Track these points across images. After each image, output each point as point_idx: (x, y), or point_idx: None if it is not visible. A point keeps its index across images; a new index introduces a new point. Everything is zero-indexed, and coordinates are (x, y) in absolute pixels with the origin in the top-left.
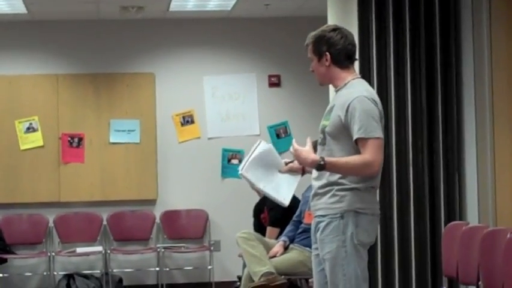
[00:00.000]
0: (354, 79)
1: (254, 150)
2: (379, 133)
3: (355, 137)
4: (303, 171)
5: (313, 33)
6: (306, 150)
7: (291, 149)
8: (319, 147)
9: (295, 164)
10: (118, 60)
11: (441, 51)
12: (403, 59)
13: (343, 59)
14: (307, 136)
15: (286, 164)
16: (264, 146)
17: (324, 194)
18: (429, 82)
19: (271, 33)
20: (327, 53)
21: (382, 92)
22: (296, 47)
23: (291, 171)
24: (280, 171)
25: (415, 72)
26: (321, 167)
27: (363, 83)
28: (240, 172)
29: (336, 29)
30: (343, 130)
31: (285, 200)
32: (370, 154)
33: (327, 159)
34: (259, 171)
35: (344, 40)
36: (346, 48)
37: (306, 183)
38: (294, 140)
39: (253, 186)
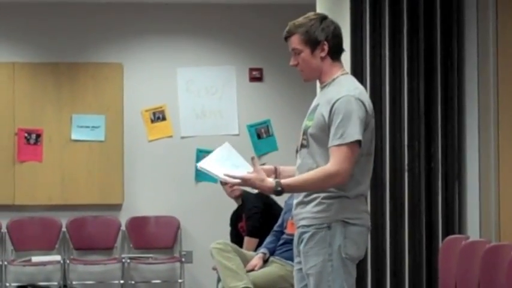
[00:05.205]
0: (342, 74)
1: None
2: (356, 136)
3: (329, 144)
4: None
5: (297, 22)
6: (258, 176)
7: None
8: (302, 151)
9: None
10: (82, 49)
11: (442, 45)
12: (400, 53)
13: (338, 51)
14: (291, 137)
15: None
16: (226, 146)
17: (309, 202)
18: (427, 79)
19: (254, 21)
20: (325, 42)
21: (376, 89)
22: (281, 38)
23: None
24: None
25: (412, 68)
26: (279, 192)
27: (352, 80)
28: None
29: (325, 17)
30: (326, 131)
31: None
32: (334, 163)
33: (284, 181)
34: (222, 165)
35: (338, 30)
36: (340, 39)
37: None
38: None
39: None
